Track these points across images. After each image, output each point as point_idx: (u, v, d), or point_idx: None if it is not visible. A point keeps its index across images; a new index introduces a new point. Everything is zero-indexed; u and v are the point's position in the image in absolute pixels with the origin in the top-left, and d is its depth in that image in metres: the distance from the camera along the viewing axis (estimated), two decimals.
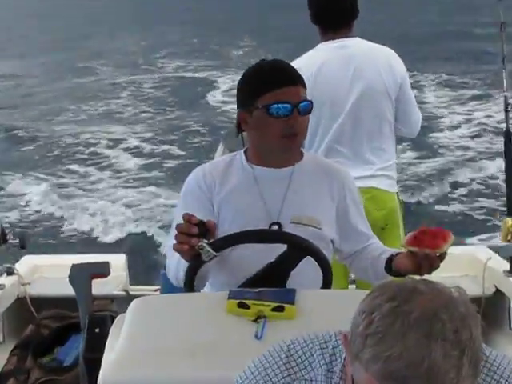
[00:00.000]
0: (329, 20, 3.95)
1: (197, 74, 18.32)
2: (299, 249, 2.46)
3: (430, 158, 10.99)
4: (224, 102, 14.84)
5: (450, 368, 1.26)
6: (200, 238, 2.29)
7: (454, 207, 9.30)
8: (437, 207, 9.27)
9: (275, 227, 2.58)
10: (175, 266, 2.53)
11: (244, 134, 2.71)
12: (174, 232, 2.40)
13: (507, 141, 4.04)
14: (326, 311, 2.27)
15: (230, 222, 2.60)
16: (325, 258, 2.52)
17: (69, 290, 3.38)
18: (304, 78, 3.62)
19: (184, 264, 2.43)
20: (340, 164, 3.70)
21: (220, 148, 4.39)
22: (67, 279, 3.39)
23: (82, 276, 3.28)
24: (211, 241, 2.32)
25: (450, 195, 9.65)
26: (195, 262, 2.38)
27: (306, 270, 2.50)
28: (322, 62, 3.89)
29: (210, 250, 2.29)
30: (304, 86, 2.61)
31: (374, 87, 3.91)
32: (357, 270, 2.86)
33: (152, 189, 9.80)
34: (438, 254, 2.45)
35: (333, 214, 2.70)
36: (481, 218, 8.91)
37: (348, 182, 2.78)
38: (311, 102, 2.60)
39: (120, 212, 8.98)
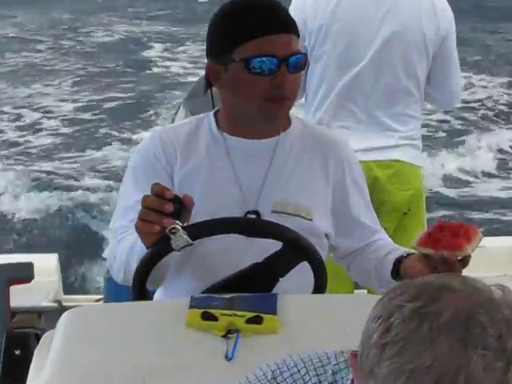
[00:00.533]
0: None
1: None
2: (298, 250, 2.10)
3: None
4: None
5: (492, 383, 1.11)
6: (173, 219, 1.94)
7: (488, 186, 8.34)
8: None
9: (252, 216, 2.21)
10: (125, 255, 2.15)
11: (214, 90, 2.30)
12: (122, 213, 2.20)
13: None
14: (318, 322, 2.00)
15: (195, 208, 2.14)
16: (319, 259, 2.13)
17: None
18: (321, 5, 3.23)
19: (140, 252, 2.07)
20: (350, 129, 3.20)
21: (181, 112, 3.86)
22: None
23: None
24: (185, 225, 1.96)
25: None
26: (158, 249, 2.02)
27: (294, 271, 2.14)
28: None
29: (185, 235, 1.94)
30: (297, 33, 2.20)
31: (409, 35, 3.29)
32: (357, 273, 2.43)
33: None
34: (459, 258, 2.05)
35: (328, 201, 2.32)
36: None
37: (348, 157, 2.36)
38: (305, 54, 2.20)
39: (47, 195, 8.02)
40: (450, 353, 1.12)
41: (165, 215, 1.93)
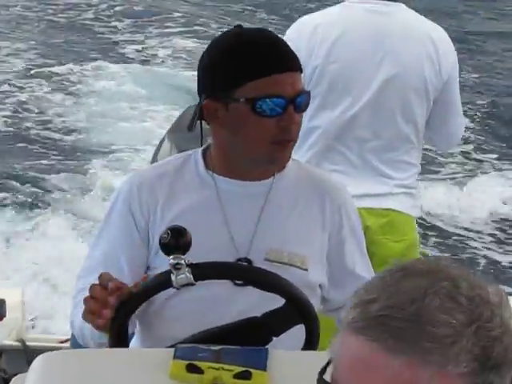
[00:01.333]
0: None
1: None
2: (300, 311, 1.98)
3: None
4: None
5: (444, 322, 1.04)
6: (180, 254, 1.86)
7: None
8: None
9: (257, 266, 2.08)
10: (80, 322, 2.01)
11: (204, 124, 2.16)
12: (84, 273, 2.13)
13: None
14: (311, 381, 1.73)
15: None
16: (316, 321, 2.01)
17: None
18: (317, 42, 3.10)
19: (93, 333, 1.99)
20: (342, 173, 3.04)
21: (165, 145, 3.66)
22: None
23: None
24: (191, 262, 1.86)
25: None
26: (157, 283, 1.97)
27: None
28: (345, 28, 3.14)
29: (190, 274, 1.86)
30: (301, 70, 2.09)
31: (409, 80, 3.14)
32: None
33: None
34: None
35: (323, 249, 2.18)
36: None
37: (346, 204, 2.23)
38: (309, 93, 2.10)
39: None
40: (410, 290, 1.06)
41: (107, 307, 1.86)
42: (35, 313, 4.96)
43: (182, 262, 1.84)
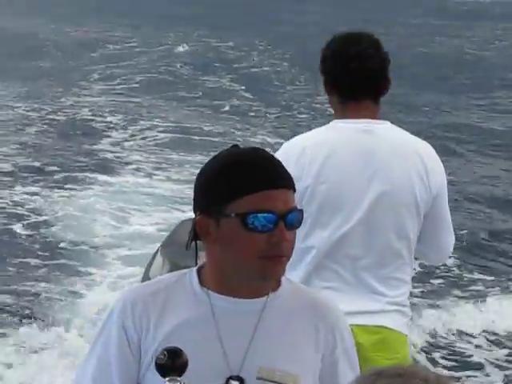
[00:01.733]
0: (351, 83, 3.15)
1: None
2: None
3: None
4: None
5: None
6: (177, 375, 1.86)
7: None
8: None
9: (235, 383, 2.07)
10: None
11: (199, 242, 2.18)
12: (88, 372, 2.13)
13: None
14: None
15: None
16: None
17: None
18: (305, 164, 3.11)
19: None
20: (334, 290, 3.04)
21: (158, 259, 3.57)
22: None
23: None
24: None
25: None
26: None
27: None
28: (333, 148, 3.16)
29: None
30: (294, 188, 2.12)
31: (400, 197, 3.15)
32: None
33: None
34: None
35: (316, 369, 2.17)
36: None
37: (339, 323, 2.23)
38: (301, 211, 2.11)
39: None
40: None
41: None
42: None
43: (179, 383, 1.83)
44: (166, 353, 1.86)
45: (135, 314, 2.12)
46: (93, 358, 2.15)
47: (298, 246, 3.05)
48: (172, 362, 1.85)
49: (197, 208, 2.12)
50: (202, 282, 2.15)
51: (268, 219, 2.02)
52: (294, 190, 2.10)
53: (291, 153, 3.14)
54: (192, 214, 2.20)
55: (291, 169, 3.04)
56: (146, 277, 3.54)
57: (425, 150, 3.23)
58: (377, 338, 3.12)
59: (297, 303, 2.19)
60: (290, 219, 2.04)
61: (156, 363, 1.87)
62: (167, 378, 1.83)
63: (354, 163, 3.14)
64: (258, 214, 2.02)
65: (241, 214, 2.03)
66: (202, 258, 2.19)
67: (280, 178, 2.08)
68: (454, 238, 3.40)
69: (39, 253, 8.20)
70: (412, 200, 3.15)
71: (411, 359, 3.37)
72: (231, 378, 2.06)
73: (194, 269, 2.18)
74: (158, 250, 3.73)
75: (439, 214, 3.25)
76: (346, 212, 3.13)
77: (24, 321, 6.80)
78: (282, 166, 2.12)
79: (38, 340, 6.42)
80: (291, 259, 3.10)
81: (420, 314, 7.32)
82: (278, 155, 3.07)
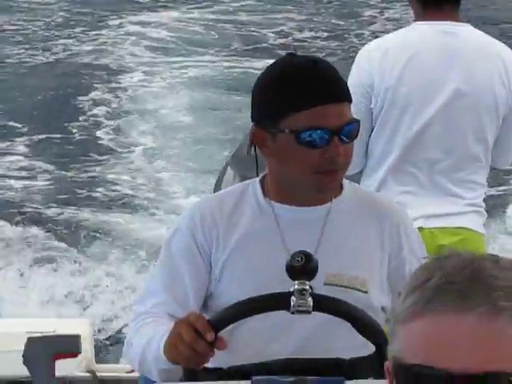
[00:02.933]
0: None
1: None
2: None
3: None
4: None
5: (502, 276, 1.05)
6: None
7: None
8: None
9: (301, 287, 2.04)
10: (141, 347, 2.08)
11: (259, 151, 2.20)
12: (146, 296, 2.17)
13: None
14: None
15: (239, 282, 2.13)
16: (378, 328, 1.99)
17: (8, 370, 2.98)
18: (388, 65, 3.10)
19: (155, 351, 2.01)
20: (411, 194, 3.08)
21: (228, 173, 3.60)
22: (8, 354, 2.98)
23: (41, 355, 2.59)
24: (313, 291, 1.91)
25: None
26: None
27: (340, 340, 2.08)
28: (415, 50, 3.14)
29: (310, 302, 1.90)
30: (350, 99, 2.11)
31: (481, 98, 3.14)
32: None
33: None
34: None
35: (383, 271, 2.18)
36: None
37: (405, 224, 2.23)
38: (358, 121, 2.10)
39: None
40: (457, 262, 1.07)
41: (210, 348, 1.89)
42: None
43: (307, 287, 1.86)
44: (303, 256, 1.88)
45: (204, 226, 2.15)
46: (163, 269, 2.19)
47: (379, 150, 3.12)
48: (305, 265, 1.87)
49: (254, 118, 2.14)
50: (265, 193, 2.17)
51: (322, 136, 2.02)
52: (350, 101, 2.10)
53: (374, 56, 3.15)
54: None
55: (375, 71, 3.13)
56: (217, 189, 3.58)
57: (508, 54, 3.22)
58: (458, 238, 3.14)
59: (360, 206, 2.20)
60: (345, 133, 2.04)
61: (289, 264, 1.89)
62: (297, 282, 1.87)
63: (437, 65, 3.15)
64: (312, 131, 2.02)
65: (295, 130, 2.03)
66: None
67: (334, 92, 2.06)
68: None
69: None
70: (492, 102, 3.14)
71: None
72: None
73: (257, 179, 2.21)
74: (227, 163, 3.75)
75: None
76: (426, 114, 3.12)
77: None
78: (339, 78, 2.10)
79: None
80: (371, 163, 3.17)
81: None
82: (360, 59, 3.17)
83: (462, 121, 3.15)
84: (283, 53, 2.20)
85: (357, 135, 2.09)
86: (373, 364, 1.98)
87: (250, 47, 10.71)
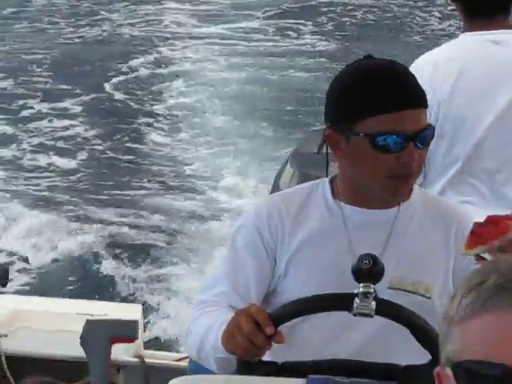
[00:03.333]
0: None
1: None
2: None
3: None
4: None
5: None
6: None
7: None
8: None
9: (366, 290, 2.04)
10: (199, 336, 2.10)
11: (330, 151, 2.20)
12: (209, 285, 2.21)
13: None
14: None
15: (304, 280, 2.16)
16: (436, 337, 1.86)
17: (62, 350, 3.00)
18: (439, 79, 3.07)
19: (213, 341, 2.03)
20: (472, 204, 3.08)
21: (288, 170, 3.56)
22: (60, 334, 3.06)
23: (99, 338, 2.57)
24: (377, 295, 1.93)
25: None
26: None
27: (401, 347, 2.07)
28: (465, 61, 3.11)
29: (374, 305, 1.91)
30: (426, 105, 2.12)
31: None
32: None
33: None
34: None
35: (449, 277, 2.18)
36: None
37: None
38: (433, 127, 2.13)
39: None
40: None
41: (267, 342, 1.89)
42: None
43: (372, 291, 1.87)
44: (370, 259, 1.89)
45: (271, 223, 2.17)
46: (227, 263, 2.20)
47: (439, 162, 3.10)
48: (372, 268, 1.88)
49: (327, 119, 2.15)
50: (334, 194, 2.19)
51: (397, 141, 2.03)
52: (426, 107, 2.11)
53: (425, 69, 3.08)
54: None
55: (426, 86, 3.01)
56: (275, 187, 3.55)
57: None
58: None
59: (428, 212, 2.22)
60: (420, 139, 2.05)
61: (357, 266, 1.90)
62: (362, 284, 1.88)
63: (488, 75, 3.09)
64: (388, 136, 2.02)
65: (370, 134, 2.04)
66: (332, 169, 2.26)
67: (412, 97, 2.08)
68: None
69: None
70: None
71: None
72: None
73: (327, 179, 2.22)
74: (287, 161, 3.74)
75: None
76: (482, 125, 3.07)
77: None
78: (416, 82, 2.12)
79: None
80: (431, 174, 3.19)
81: None
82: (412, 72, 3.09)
83: None
84: None
85: (431, 141, 2.11)
86: (428, 372, 1.89)
87: None
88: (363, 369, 2.04)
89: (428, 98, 2.99)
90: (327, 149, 2.18)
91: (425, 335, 1.95)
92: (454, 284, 2.17)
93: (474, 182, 3.11)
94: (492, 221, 1.98)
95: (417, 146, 2.05)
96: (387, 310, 1.94)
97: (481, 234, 1.96)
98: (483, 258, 1.95)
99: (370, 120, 2.05)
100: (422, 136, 2.06)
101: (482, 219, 2.77)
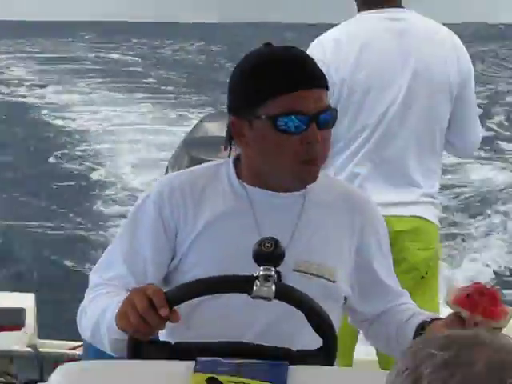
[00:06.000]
0: None
1: None
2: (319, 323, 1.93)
3: None
4: None
5: None
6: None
7: None
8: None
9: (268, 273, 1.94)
10: (95, 317, 2.03)
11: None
12: (104, 267, 2.10)
13: None
14: None
15: (207, 260, 2.07)
16: (329, 324, 1.93)
17: None
18: (342, 56, 3.12)
19: (109, 320, 1.94)
20: (369, 180, 3.09)
21: (181, 155, 3.62)
22: None
23: None
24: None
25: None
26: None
27: (303, 331, 1.97)
28: (367, 37, 3.17)
29: (273, 289, 1.85)
30: (327, 87, 2.07)
31: (435, 77, 3.14)
32: (376, 337, 2.27)
33: None
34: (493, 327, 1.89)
35: (351, 261, 2.17)
36: None
37: (374, 217, 2.23)
38: (335, 109, 2.07)
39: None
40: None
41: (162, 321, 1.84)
42: None
43: (273, 274, 1.82)
44: (273, 242, 1.84)
45: (172, 203, 2.11)
46: (125, 241, 2.13)
47: (341, 135, 3.08)
48: (273, 252, 1.83)
49: (230, 109, 2.11)
50: (238, 176, 2.14)
51: (299, 121, 2.00)
52: (327, 89, 2.07)
53: (327, 46, 3.16)
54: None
55: (328, 59, 3.10)
56: (171, 170, 3.60)
57: (455, 38, 3.26)
58: (413, 227, 3.13)
59: (333, 196, 2.19)
60: (323, 119, 2.02)
61: (257, 250, 1.85)
62: (262, 267, 1.83)
63: (388, 48, 3.17)
64: (289, 116, 1.99)
65: (272, 116, 2.00)
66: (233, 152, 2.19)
67: (311, 78, 2.04)
68: (481, 130, 3.39)
69: None
70: (446, 81, 3.15)
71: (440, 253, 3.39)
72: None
73: (230, 160, 2.17)
74: (180, 147, 3.78)
75: (467, 98, 3.23)
76: (386, 97, 3.13)
77: None
78: (314, 64, 2.08)
79: None
80: (338, 146, 3.10)
81: None
82: (314, 49, 3.12)
83: (418, 103, 3.14)
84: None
85: (334, 123, 2.07)
86: (319, 357, 1.95)
87: None
88: (254, 352, 1.97)
89: (331, 74, 3.03)
90: (231, 138, 2.11)
91: (316, 317, 1.92)
92: (356, 270, 2.16)
93: (374, 157, 3.13)
94: (490, 296, 1.93)
95: (319, 127, 2.01)
96: (284, 293, 1.88)
97: (475, 302, 1.92)
98: (459, 317, 1.93)
99: (271, 102, 2.00)
100: (324, 116, 2.02)
101: (378, 196, 2.82)
